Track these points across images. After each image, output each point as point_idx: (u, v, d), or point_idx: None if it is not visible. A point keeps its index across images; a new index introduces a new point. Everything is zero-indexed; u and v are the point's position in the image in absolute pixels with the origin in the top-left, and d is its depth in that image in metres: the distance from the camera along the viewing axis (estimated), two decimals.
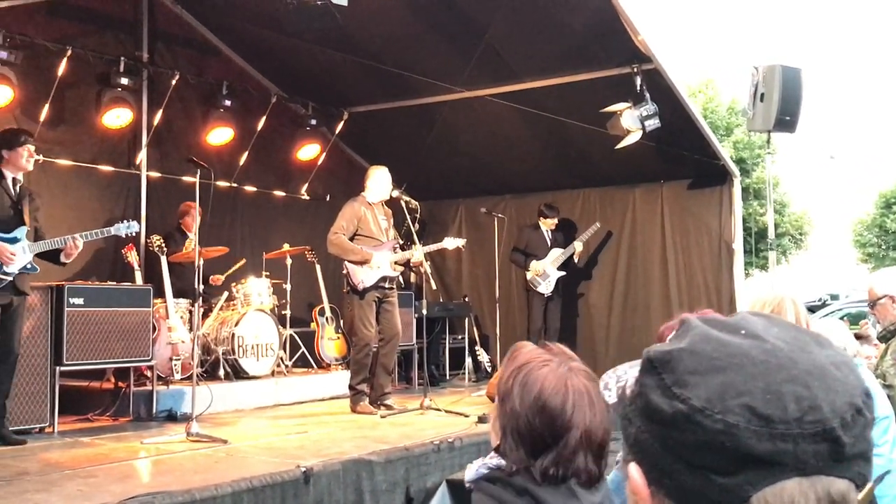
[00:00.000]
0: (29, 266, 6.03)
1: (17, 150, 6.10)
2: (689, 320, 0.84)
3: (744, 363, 0.76)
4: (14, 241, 5.95)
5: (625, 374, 0.91)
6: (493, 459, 1.76)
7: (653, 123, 8.19)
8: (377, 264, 7.45)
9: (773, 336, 0.79)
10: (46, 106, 7.92)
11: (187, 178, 8.49)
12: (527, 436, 1.69)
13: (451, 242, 8.16)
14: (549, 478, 1.66)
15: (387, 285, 7.57)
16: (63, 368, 6.54)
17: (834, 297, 25.67)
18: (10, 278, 5.93)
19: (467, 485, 1.78)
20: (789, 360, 0.76)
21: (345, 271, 7.55)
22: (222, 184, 9.24)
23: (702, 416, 0.74)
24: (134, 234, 6.68)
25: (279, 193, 10.44)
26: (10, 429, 6.04)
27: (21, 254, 5.94)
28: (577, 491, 1.66)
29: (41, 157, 7.81)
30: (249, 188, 10.03)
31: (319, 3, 6.08)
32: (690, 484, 0.75)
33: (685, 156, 9.31)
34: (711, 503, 0.74)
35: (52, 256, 6.20)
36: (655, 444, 0.78)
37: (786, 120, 8.62)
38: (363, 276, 7.43)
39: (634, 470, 0.81)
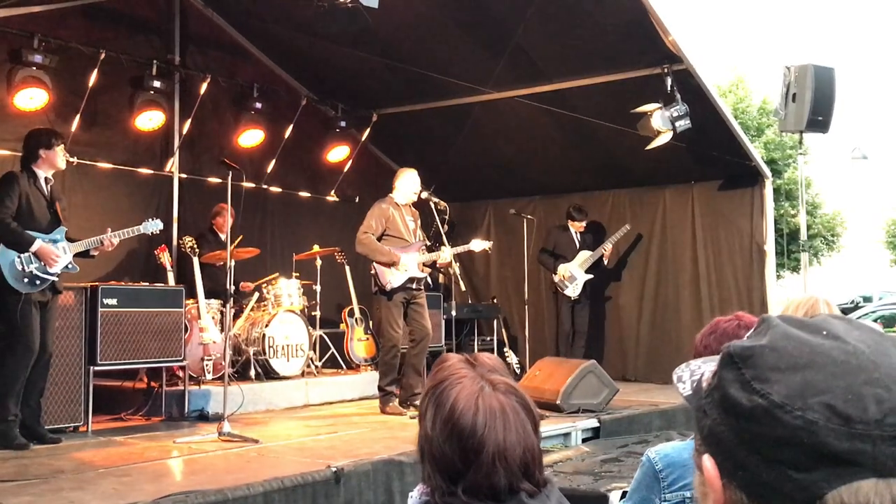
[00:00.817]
0: (70, 266, 6.14)
1: (55, 149, 6.17)
2: (769, 318, 0.85)
3: (825, 363, 0.77)
4: (55, 241, 6.05)
5: (699, 368, 0.91)
6: (429, 488, 1.67)
7: (683, 124, 8.14)
8: (405, 266, 7.47)
9: (854, 338, 0.79)
10: (80, 109, 8.02)
11: (219, 180, 8.56)
12: (440, 461, 1.60)
13: (477, 244, 8.15)
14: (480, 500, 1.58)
15: (414, 286, 7.58)
16: (97, 368, 6.61)
17: (867, 300, 25.39)
18: (56, 278, 6.04)
19: None
20: (871, 363, 0.77)
21: (373, 272, 7.57)
22: (253, 185, 9.31)
23: (781, 412, 0.75)
24: (158, 232, 6.76)
25: (309, 195, 10.50)
26: (46, 427, 6.12)
27: (63, 254, 6.06)
28: (527, 502, 1.59)
29: (75, 159, 7.92)
30: (279, 190, 10.09)
31: (350, 4, 6.10)
32: (765, 478, 0.76)
33: (716, 156, 9.24)
34: (785, 498, 0.75)
35: (81, 252, 6.29)
36: (731, 436, 0.79)
37: (818, 120, 8.54)
38: (391, 277, 7.45)
39: (708, 461, 0.82)
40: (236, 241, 7.70)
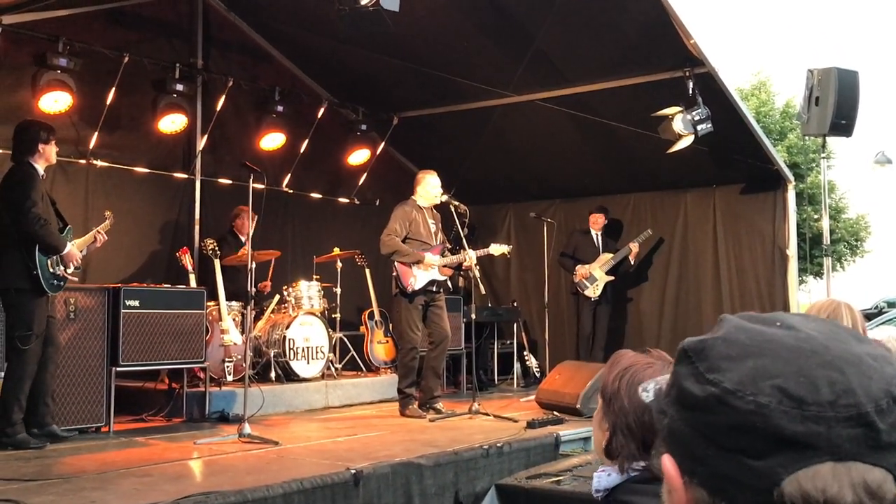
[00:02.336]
0: (78, 267, 6.18)
1: (52, 142, 6.05)
2: (724, 316, 0.85)
3: (777, 349, 0.77)
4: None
5: (663, 379, 0.91)
6: (616, 465, 1.81)
7: (705, 127, 8.10)
8: (429, 265, 7.49)
9: (808, 328, 0.79)
10: (104, 112, 8.08)
11: (240, 183, 8.60)
12: (637, 431, 1.78)
13: (496, 248, 8.10)
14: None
15: (434, 289, 7.60)
16: (119, 369, 6.65)
17: (891, 305, 25.09)
18: (76, 279, 6.12)
19: (595, 495, 1.81)
20: (823, 347, 0.76)
21: (394, 273, 7.59)
22: (274, 188, 9.34)
23: (734, 398, 0.75)
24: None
25: (330, 198, 10.53)
26: (67, 428, 6.17)
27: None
28: None
29: (98, 162, 8.01)
30: (300, 192, 10.13)
31: (371, 7, 6.12)
32: (723, 469, 0.75)
33: (738, 160, 9.19)
34: (744, 488, 0.74)
35: None
36: (688, 430, 0.78)
37: (841, 124, 8.44)
38: (412, 279, 7.47)
39: (667, 461, 0.81)
40: (251, 249, 7.73)
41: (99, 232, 6.35)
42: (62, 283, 6.00)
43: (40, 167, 5.97)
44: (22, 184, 5.80)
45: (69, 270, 6.02)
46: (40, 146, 5.95)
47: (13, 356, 5.79)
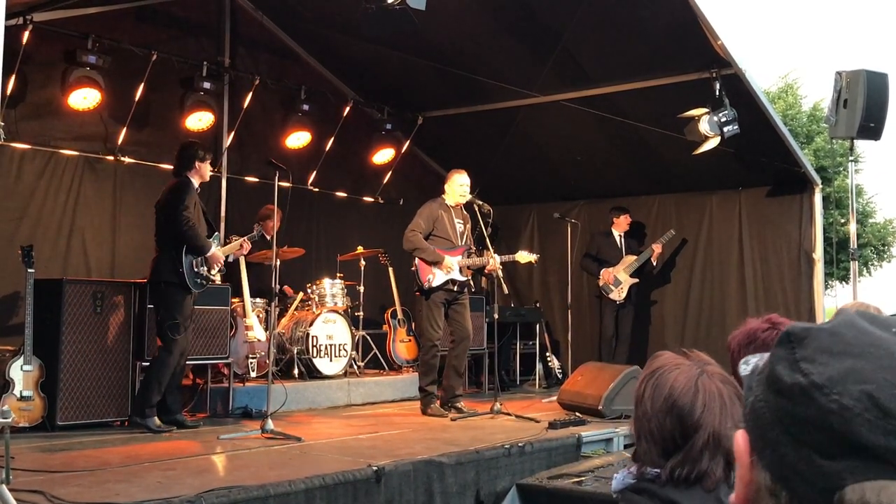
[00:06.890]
0: (223, 269, 6.82)
1: (207, 161, 6.70)
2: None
3: (879, 355, 0.74)
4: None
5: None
6: (636, 468, 1.78)
7: (731, 129, 8.05)
8: (448, 267, 7.49)
9: None
10: (132, 109, 8.15)
11: (266, 180, 8.65)
12: (658, 436, 1.71)
13: (523, 256, 8.06)
14: (677, 479, 1.66)
15: (455, 288, 7.59)
16: (144, 364, 6.71)
17: None
18: (217, 280, 6.82)
19: (614, 495, 1.80)
20: None
21: (413, 268, 7.60)
22: (299, 186, 9.39)
23: (818, 393, 0.73)
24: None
25: (354, 196, 10.56)
26: (92, 421, 6.29)
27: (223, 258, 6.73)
28: (725, 502, 1.63)
29: (126, 159, 8.09)
30: (325, 191, 10.17)
31: (397, 6, 6.13)
32: (791, 459, 0.74)
33: (764, 162, 9.12)
34: (806, 483, 0.73)
35: None
36: (768, 413, 0.77)
37: (870, 127, 8.35)
38: (430, 276, 7.47)
39: (741, 436, 0.81)
40: (276, 247, 7.76)
41: (245, 241, 6.98)
42: (206, 283, 6.60)
43: (195, 181, 6.67)
44: (178, 192, 6.50)
45: (213, 272, 6.63)
46: (197, 163, 6.67)
47: (162, 345, 6.37)
